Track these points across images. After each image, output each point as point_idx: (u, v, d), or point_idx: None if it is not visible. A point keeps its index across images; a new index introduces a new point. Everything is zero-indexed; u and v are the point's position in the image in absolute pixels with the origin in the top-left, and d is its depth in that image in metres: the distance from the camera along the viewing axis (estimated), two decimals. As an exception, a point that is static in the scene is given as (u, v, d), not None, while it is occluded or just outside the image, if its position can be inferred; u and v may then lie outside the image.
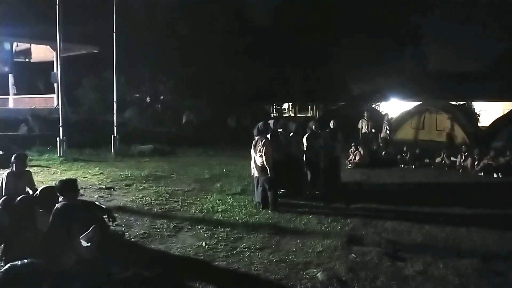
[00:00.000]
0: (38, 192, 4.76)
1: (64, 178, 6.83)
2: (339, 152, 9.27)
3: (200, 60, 21.94)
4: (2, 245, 4.47)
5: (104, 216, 5.16)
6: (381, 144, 13.80)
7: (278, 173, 7.21)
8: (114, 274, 4.12)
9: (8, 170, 5.69)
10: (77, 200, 4.87)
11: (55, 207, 4.21)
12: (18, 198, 4.52)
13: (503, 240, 5.63)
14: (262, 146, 7.00)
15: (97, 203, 5.75)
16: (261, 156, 7.02)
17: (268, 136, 7.27)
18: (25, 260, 2.51)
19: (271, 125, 7.78)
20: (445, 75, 30.16)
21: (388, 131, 15.52)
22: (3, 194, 5.36)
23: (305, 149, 8.15)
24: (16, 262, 2.51)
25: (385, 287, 4.18)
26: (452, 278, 4.35)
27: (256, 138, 7.21)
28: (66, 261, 3.99)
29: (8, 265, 2.52)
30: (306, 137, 8.22)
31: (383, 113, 20.69)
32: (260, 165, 7.08)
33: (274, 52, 24.26)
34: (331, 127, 9.42)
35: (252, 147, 7.36)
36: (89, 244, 4.25)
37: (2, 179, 5.55)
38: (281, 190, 7.80)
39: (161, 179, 9.68)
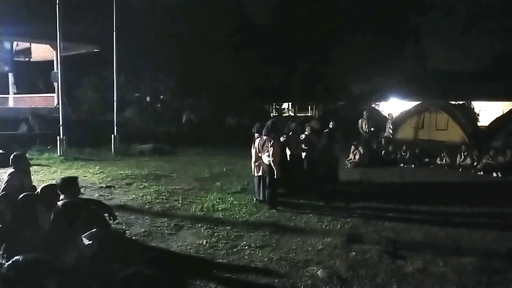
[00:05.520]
0: (39, 190, 4.77)
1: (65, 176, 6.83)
2: (338, 152, 9.30)
3: (200, 60, 21.93)
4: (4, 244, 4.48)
5: (105, 214, 5.18)
6: (383, 143, 13.80)
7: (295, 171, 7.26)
8: (115, 271, 4.13)
9: (11, 169, 5.68)
10: (79, 198, 4.89)
11: (57, 205, 4.22)
12: (20, 196, 4.53)
13: (502, 238, 5.65)
14: (271, 146, 6.98)
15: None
16: (269, 155, 7.02)
17: (276, 136, 7.24)
18: (30, 255, 2.53)
19: (280, 125, 7.76)
20: (445, 75, 30.17)
21: (391, 130, 15.54)
22: (1, 190, 5.35)
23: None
24: (17, 257, 2.52)
25: (385, 285, 4.19)
26: (452, 276, 4.38)
27: (264, 138, 7.18)
28: (67, 259, 4.00)
29: (12, 260, 2.54)
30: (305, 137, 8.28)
31: (387, 112, 20.68)
32: (267, 163, 7.09)
33: (274, 51, 24.25)
34: (330, 127, 9.46)
35: (256, 147, 7.35)
36: (90, 242, 4.27)
37: (7, 178, 5.52)
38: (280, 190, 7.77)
39: (161, 178, 9.70)
